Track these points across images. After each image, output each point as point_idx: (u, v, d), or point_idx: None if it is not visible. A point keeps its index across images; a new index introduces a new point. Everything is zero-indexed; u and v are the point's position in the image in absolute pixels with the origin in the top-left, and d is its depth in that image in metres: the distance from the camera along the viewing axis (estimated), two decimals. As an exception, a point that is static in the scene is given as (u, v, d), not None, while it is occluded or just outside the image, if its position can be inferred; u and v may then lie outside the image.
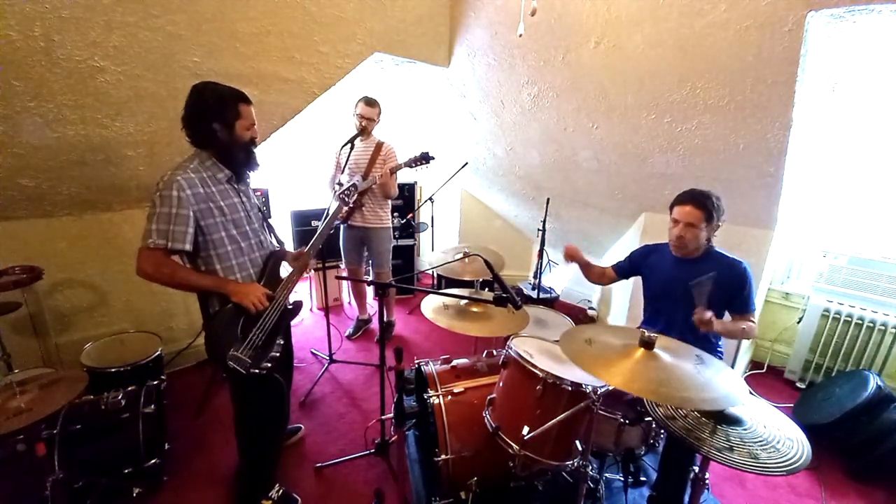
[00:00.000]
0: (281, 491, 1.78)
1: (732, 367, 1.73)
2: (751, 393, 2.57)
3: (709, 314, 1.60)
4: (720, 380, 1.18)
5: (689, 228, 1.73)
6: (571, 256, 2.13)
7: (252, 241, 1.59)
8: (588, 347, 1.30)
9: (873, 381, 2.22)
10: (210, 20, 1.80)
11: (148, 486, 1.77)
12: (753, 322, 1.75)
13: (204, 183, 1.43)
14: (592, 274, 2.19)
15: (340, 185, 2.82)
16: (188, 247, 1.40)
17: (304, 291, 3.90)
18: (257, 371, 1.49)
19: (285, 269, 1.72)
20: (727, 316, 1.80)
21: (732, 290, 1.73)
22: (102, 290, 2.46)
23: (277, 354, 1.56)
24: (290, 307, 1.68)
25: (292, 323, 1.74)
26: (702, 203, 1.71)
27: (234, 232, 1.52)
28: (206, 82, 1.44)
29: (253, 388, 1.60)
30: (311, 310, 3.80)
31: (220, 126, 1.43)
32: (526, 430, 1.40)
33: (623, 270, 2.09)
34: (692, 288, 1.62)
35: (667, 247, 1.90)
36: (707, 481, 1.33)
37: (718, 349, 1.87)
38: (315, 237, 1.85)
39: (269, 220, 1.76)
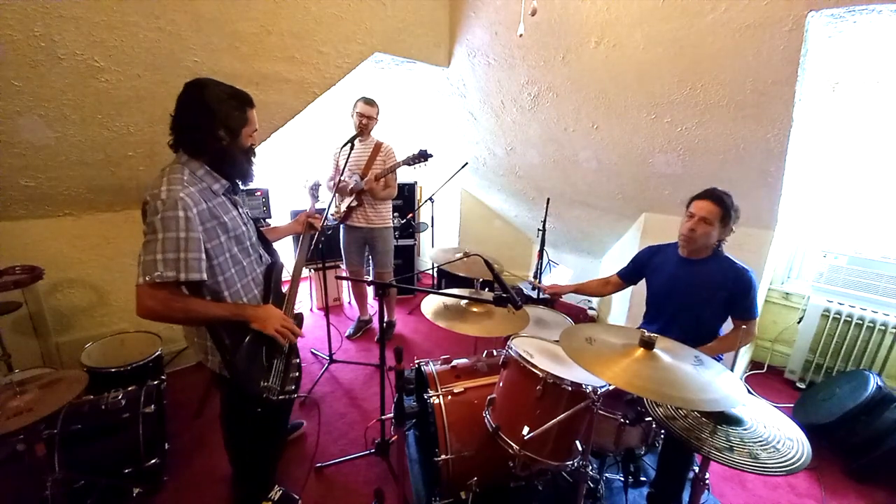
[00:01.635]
0: (281, 492, 1.78)
1: (732, 367, 1.72)
2: (751, 393, 2.57)
3: None
4: (719, 381, 1.18)
5: (703, 224, 1.73)
6: (555, 291, 2.23)
7: (253, 257, 1.45)
8: (588, 346, 1.30)
9: (873, 381, 2.22)
10: (210, 20, 1.80)
11: (148, 486, 1.77)
12: (752, 328, 1.76)
13: (204, 198, 1.24)
14: (590, 290, 2.22)
15: (338, 185, 2.82)
16: (204, 275, 1.20)
17: (304, 292, 3.90)
18: (285, 397, 1.42)
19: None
20: (729, 323, 1.81)
21: (737, 296, 1.73)
22: (102, 290, 2.46)
23: (298, 374, 1.53)
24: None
25: None
26: (721, 200, 1.71)
27: (237, 250, 1.36)
28: (205, 80, 1.26)
29: (266, 410, 1.46)
30: (311, 310, 3.80)
31: (224, 133, 1.26)
32: (526, 430, 1.40)
33: (629, 275, 2.09)
34: None
35: (672, 247, 1.90)
36: (707, 481, 1.33)
37: (718, 355, 1.87)
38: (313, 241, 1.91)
39: (269, 220, 1.72)
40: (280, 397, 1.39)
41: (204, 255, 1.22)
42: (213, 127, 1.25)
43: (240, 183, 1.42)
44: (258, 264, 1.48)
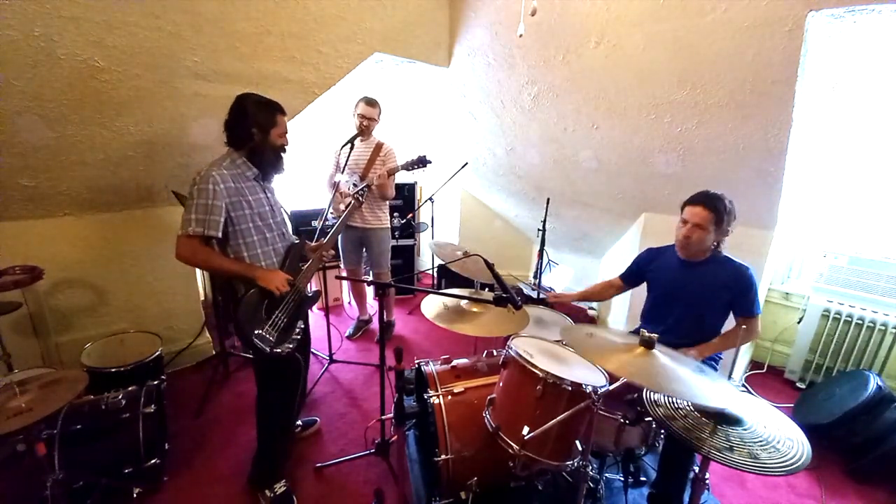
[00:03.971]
0: (285, 489, 1.80)
1: (732, 367, 1.72)
2: (751, 393, 2.57)
3: (692, 352, 1.68)
4: (718, 388, 1.18)
5: (697, 229, 1.73)
6: (560, 299, 2.25)
7: (275, 232, 1.75)
8: (588, 339, 1.30)
9: (873, 381, 2.22)
10: (210, 20, 1.80)
11: (148, 486, 1.77)
12: (755, 324, 1.76)
13: (235, 179, 1.59)
14: (593, 295, 2.21)
15: (337, 184, 2.82)
16: (220, 234, 1.55)
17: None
18: (279, 351, 1.64)
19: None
20: (730, 321, 1.81)
21: (738, 294, 1.74)
22: (102, 290, 2.46)
23: (298, 337, 1.74)
24: (309, 295, 1.83)
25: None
26: (713, 205, 1.70)
27: (260, 223, 1.67)
28: (249, 93, 1.63)
29: (274, 366, 1.74)
30: (311, 310, 3.79)
31: (257, 130, 1.61)
32: (526, 430, 1.40)
33: (631, 277, 2.09)
34: None
35: (671, 249, 1.90)
36: (707, 481, 1.33)
37: (718, 353, 1.87)
38: (332, 231, 1.98)
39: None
40: (274, 350, 1.63)
41: (223, 220, 1.55)
42: (248, 125, 1.60)
43: (273, 173, 1.75)
44: (281, 240, 1.78)
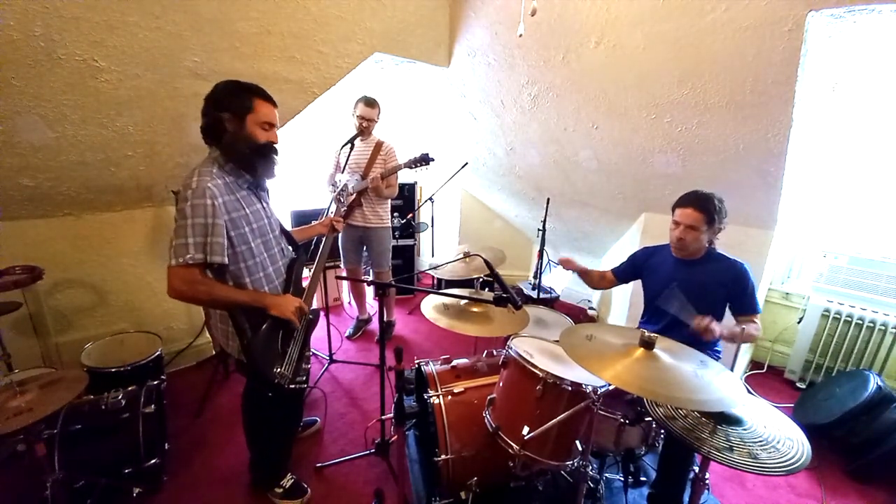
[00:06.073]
0: (292, 480, 1.81)
1: (732, 367, 1.72)
2: (751, 393, 2.57)
3: (707, 320, 1.59)
4: (719, 382, 1.17)
5: (690, 231, 1.74)
6: (567, 265, 2.16)
7: (276, 249, 1.54)
8: (587, 343, 1.30)
9: (873, 381, 2.22)
10: (210, 20, 1.80)
11: (148, 486, 1.77)
12: (756, 322, 1.74)
13: (230, 189, 1.34)
14: (591, 279, 2.20)
15: (336, 184, 2.83)
16: (226, 259, 1.30)
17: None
18: (295, 386, 1.48)
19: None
20: (729, 319, 1.80)
21: (735, 291, 1.74)
22: (102, 290, 2.46)
23: (309, 366, 1.61)
24: (311, 317, 1.66)
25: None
26: (703, 206, 1.71)
27: (260, 241, 1.45)
28: (225, 80, 1.39)
29: (278, 396, 1.56)
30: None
31: (229, 115, 1.33)
32: (526, 430, 1.40)
33: (624, 274, 2.09)
34: (663, 307, 1.68)
35: (667, 248, 1.90)
36: (707, 481, 1.33)
37: (717, 350, 1.87)
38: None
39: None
40: (291, 386, 1.47)
41: (226, 241, 1.30)
42: (219, 110, 1.33)
43: (265, 177, 1.49)
44: (281, 257, 1.57)
